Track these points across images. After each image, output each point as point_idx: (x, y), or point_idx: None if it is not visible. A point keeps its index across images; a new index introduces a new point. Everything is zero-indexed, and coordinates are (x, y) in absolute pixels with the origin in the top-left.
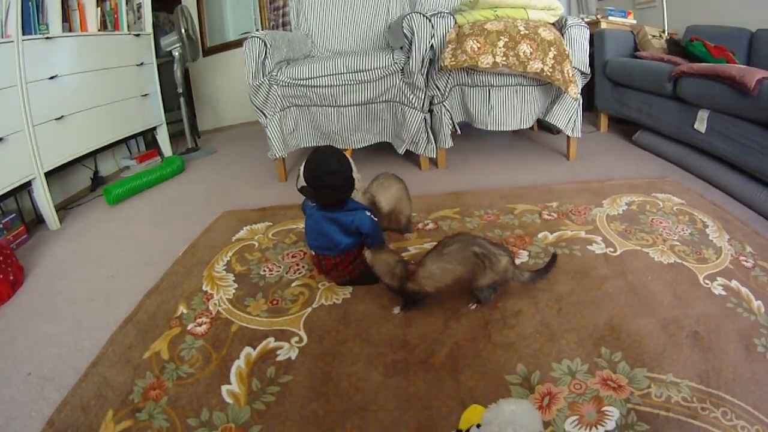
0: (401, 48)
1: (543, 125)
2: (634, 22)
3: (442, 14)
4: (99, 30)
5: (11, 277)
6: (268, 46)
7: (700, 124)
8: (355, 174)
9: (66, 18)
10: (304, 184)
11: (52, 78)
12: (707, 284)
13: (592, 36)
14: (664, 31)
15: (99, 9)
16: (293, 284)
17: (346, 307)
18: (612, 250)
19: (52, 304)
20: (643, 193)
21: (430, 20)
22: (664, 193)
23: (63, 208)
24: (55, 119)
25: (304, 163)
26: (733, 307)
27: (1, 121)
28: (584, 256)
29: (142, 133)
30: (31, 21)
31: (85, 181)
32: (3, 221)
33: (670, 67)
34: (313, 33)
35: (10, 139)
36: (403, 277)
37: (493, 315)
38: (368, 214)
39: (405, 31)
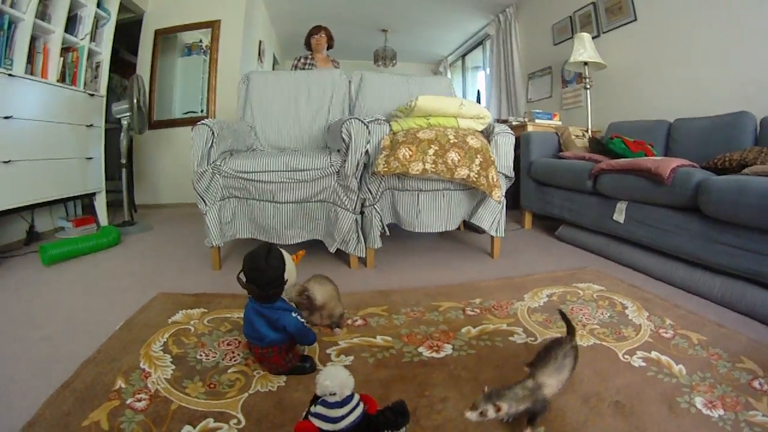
0: (338, 150)
1: (469, 225)
2: (560, 123)
3: (379, 121)
4: (57, 80)
5: None
6: (215, 134)
7: (619, 215)
8: (289, 274)
9: (30, 59)
10: (241, 277)
11: (6, 118)
12: (627, 359)
13: (518, 139)
14: (587, 131)
15: (62, 59)
16: (230, 370)
17: (282, 395)
18: (533, 339)
19: None
20: (564, 285)
21: (367, 127)
22: (585, 282)
23: None
24: (3, 162)
25: (245, 257)
26: (653, 375)
27: None
28: (506, 346)
29: (80, 197)
30: None
31: (20, 233)
32: None
33: (591, 165)
34: (256, 126)
35: None
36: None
37: (420, 402)
38: (294, 315)
39: (343, 135)
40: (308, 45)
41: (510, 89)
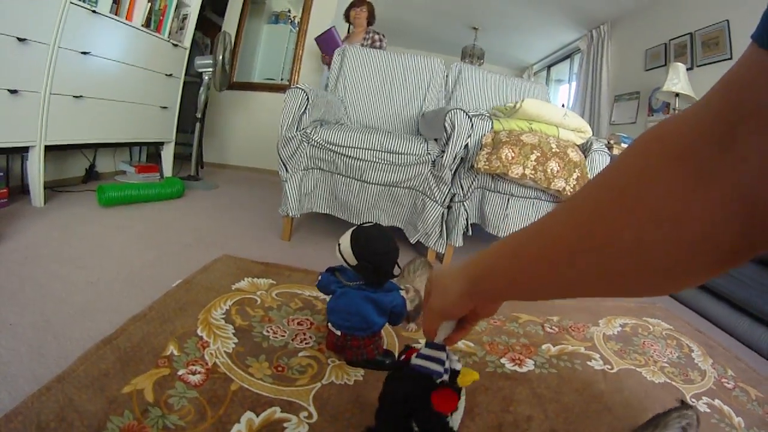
0: (435, 140)
1: None
2: None
3: (482, 116)
4: (142, 25)
5: None
6: (310, 100)
7: None
8: None
9: (117, 0)
10: (348, 261)
11: (84, 53)
12: (693, 402)
13: None
14: None
15: (149, 4)
16: (300, 353)
17: (359, 390)
18: (609, 367)
19: (18, 287)
20: (635, 317)
21: (471, 119)
22: (654, 318)
23: (50, 188)
24: (74, 96)
25: (356, 238)
26: (716, 423)
27: (21, 74)
28: (585, 371)
29: (148, 145)
30: None
31: (79, 169)
32: None
33: None
34: (347, 100)
35: (24, 95)
36: None
37: (506, 418)
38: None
39: (446, 125)
40: (347, 18)
41: (594, 108)
